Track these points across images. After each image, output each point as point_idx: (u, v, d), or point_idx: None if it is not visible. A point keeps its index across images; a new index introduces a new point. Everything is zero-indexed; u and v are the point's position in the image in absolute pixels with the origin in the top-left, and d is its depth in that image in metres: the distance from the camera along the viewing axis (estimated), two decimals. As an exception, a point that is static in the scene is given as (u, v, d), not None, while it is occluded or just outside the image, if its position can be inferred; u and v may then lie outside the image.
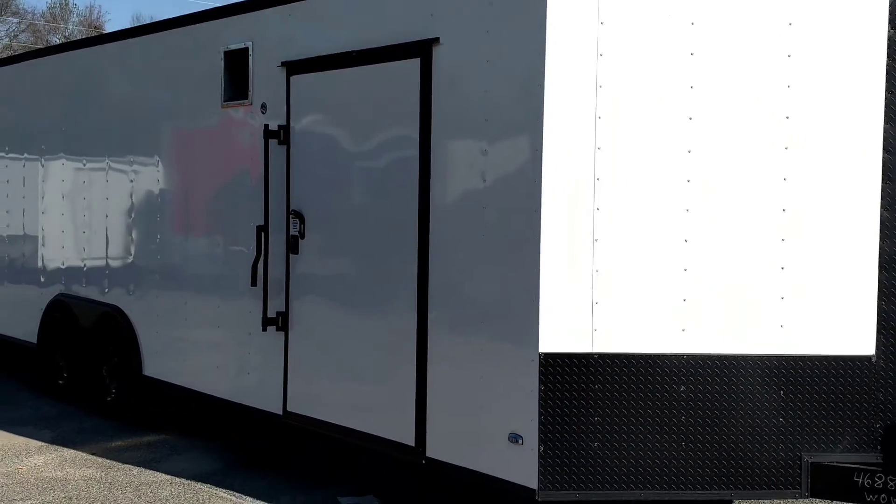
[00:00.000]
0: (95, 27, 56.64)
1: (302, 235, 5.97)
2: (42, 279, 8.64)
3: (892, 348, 4.61)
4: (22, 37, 54.20)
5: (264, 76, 6.27)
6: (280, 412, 6.09)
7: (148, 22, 55.65)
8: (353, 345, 5.66)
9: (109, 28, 57.95)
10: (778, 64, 4.54)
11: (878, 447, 4.61)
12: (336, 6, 5.87)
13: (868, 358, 4.62)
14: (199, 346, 6.93)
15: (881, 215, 4.58)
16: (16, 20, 54.34)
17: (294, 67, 6.02)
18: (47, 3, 56.11)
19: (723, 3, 4.54)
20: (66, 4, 56.33)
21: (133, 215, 7.49)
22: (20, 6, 54.36)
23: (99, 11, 58.42)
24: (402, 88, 5.32)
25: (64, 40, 55.22)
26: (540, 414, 4.62)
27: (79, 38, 54.72)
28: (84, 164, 8.07)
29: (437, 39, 5.13)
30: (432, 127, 5.17)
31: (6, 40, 53.51)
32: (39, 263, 8.69)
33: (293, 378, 6.01)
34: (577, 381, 4.61)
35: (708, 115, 4.54)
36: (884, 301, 4.60)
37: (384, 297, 5.50)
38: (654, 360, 4.60)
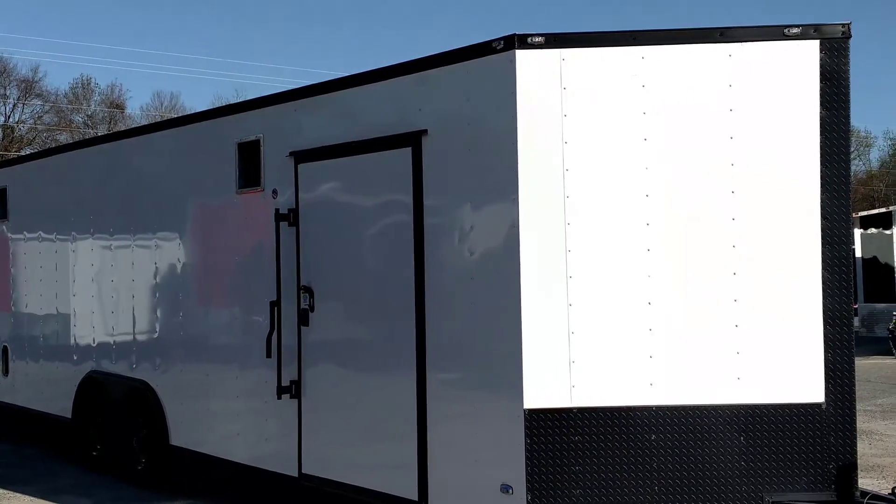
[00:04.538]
0: (117, 105, 58.10)
1: (312, 309, 6.53)
2: (75, 357, 9.24)
3: (840, 395, 5.10)
4: (46, 117, 55.65)
5: (275, 165, 6.90)
6: (296, 475, 6.60)
7: (168, 99, 56.69)
8: (361, 408, 6.19)
9: (131, 105, 59.47)
10: (723, 146, 5.13)
11: (833, 486, 5.08)
12: (337, 102, 6.49)
13: (819, 405, 5.12)
14: (220, 416, 7.46)
15: (822, 276, 5.12)
16: (40, 102, 55.82)
17: (301, 156, 6.65)
18: (70, 83, 57.37)
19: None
20: (89, 84, 57.86)
21: (157, 295, 8.11)
22: (44, 88, 55.89)
23: (120, 89, 59.69)
24: (397, 174, 5.93)
25: (86, 119, 56.73)
26: (527, 465, 5.13)
27: (101, 115, 56.16)
28: (111, 249, 8.72)
29: (425, 131, 5.75)
30: (424, 208, 5.77)
31: (31, 122, 55.01)
32: (72, 342, 9.29)
33: (307, 442, 6.53)
34: (559, 434, 5.13)
35: (661, 194, 5.13)
36: (830, 353, 5.11)
37: (387, 365, 6.04)
38: (627, 412, 5.11)
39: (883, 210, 21.77)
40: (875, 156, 68.01)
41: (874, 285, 20.91)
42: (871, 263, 21.09)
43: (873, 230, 21.22)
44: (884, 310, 20.36)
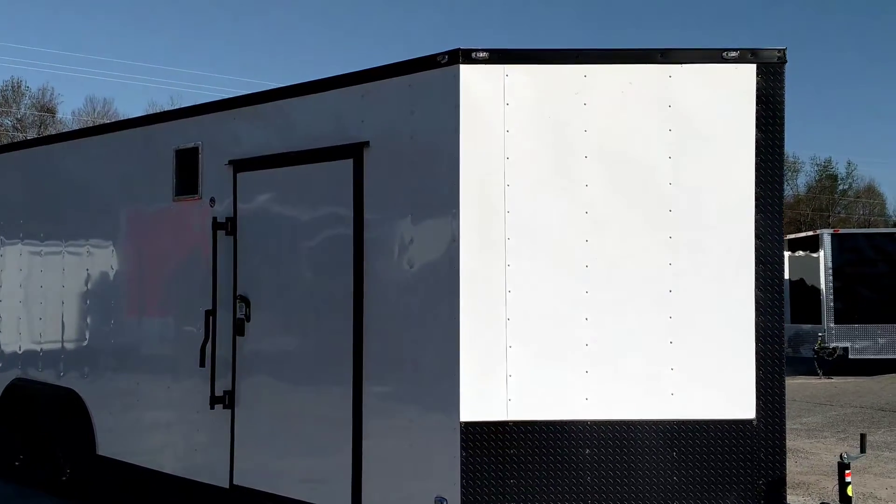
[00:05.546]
0: (48, 109, 56.84)
1: (248, 318, 6.46)
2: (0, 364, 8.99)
3: (771, 412, 5.20)
4: (-27, 121, 54.12)
5: (213, 173, 6.81)
6: (227, 486, 6.50)
7: (101, 104, 55.61)
8: (295, 420, 6.13)
9: (63, 109, 58.21)
10: (662, 165, 5.21)
11: (762, 501, 5.17)
12: (279, 112, 6.45)
13: (749, 421, 5.21)
14: (150, 426, 7.31)
15: (756, 294, 5.22)
16: (-33, 105, 54.31)
17: (240, 165, 6.59)
18: (-1, 85, 55.87)
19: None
20: (19, 87, 56.52)
21: (88, 302, 7.93)
22: (-29, 90, 54.40)
23: (52, 93, 58.43)
24: (338, 186, 5.91)
25: (16, 122, 55.35)
26: (462, 478, 5.13)
27: (31, 119, 54.82)
28: (41, 255, 8.52)
29: (367, 143, 5.74)
30: (364, 220, 5.75)
31: (-42, 125, 53.47)
32: (-3, 349, 9.05)
33: (239, 453, 6.44)
34: (494, 447, 5.14)
35: (601, 211, 5.19)
36: (761, 370, 5.21)
37: (323, 376, 5.99)
38: (562, 426, 5.14)
39: (810, 233, 22.32)
40: (802, 181, 70.07)
41: (800, 307, 21.41)
42: (797, 285, 21.60)
43: (801, 253, 21.75)
44: (809, 331, 20.86)
